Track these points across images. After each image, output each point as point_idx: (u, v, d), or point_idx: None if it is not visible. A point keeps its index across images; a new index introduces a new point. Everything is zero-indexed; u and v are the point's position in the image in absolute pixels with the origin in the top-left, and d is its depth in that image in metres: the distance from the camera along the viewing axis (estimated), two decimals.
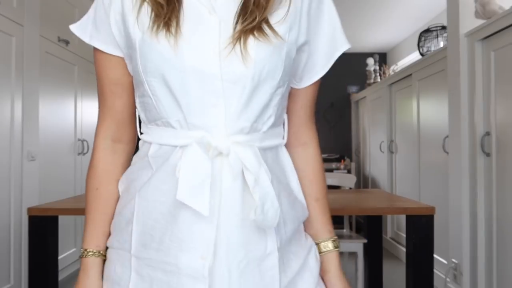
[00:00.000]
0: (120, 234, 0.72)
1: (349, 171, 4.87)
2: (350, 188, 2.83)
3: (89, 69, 3.59)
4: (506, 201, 2.22)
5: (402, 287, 2.21)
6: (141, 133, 0.74)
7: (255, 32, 0.65)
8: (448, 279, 2.75)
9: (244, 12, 0.66)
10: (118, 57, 0.72)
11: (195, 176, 0.63)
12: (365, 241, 2.44)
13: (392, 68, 5.08)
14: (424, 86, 3.31)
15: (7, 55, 2.52)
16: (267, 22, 0.67)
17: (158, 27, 0.65)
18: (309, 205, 0.80)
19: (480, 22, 2.45)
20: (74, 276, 3.08)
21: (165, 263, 0.66)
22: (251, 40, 0.65)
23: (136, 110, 0.76)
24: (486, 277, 2.43)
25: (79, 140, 3.45)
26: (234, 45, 0.64)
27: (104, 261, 0.75)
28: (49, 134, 3.00)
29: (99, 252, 0.74)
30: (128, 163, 0.79)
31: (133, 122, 0.78)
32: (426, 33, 3.39)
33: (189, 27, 0.65)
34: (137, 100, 0.73)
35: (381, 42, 5.30)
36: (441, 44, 3.26)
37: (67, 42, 3.20)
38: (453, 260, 2.68)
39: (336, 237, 0.81)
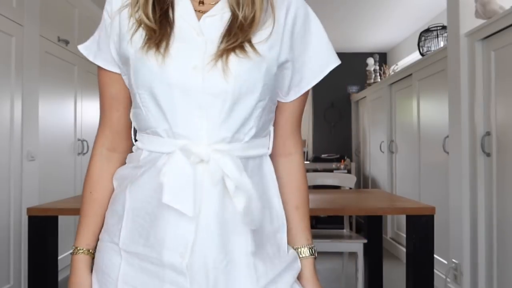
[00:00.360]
0: (110, 228, 0.79)
1: (349, 171, 4.87)
2: (350, 188, 2.83)
3: (89, 69, 3.59)
4: (506, 201, 2.22)
5: (402, 287, 2.20)
6: (136, 140, 0.81)
7: (236, 50, 0.71)
8: (448, 279, 2.75)
9: (228, 33, 0.72)
10: (117, 73, 0.80)
11: (178, 180, 0.69)
12: (365, 241, 2.44)
13: (392, 68, 5.07)
14: (424, 86, 3.31)
15: (7, 55, 2.52)
16: (249, 42, 0.73)
17: (149, 47, 0.72)
18: (289, 212, 0.83)
19: (480, 22, 2.45)
20: None
21: (151, 258, 0.73)
22: (232, 57, 0.71)
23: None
24: (486, 277, 2.43)
25: (79, 140, 3.45)
26: (216, 61, 0.70)
27: (93, 258, 0.82)
28: (49, 134, 3.00)
29: (89, 250, 0.82)
30: None
31: (129, 133, 0.85)
32: (426, 33, 3.39)
33: (177, 46, 0.72)
34: (131, 111, 0.80)
35: (381, 42, 5.29)
36: (441, 44, 3.26)
37: (67, 42, 3.20)
38: (453, 260, 2.68)
39: (313, 245, 0.85)
